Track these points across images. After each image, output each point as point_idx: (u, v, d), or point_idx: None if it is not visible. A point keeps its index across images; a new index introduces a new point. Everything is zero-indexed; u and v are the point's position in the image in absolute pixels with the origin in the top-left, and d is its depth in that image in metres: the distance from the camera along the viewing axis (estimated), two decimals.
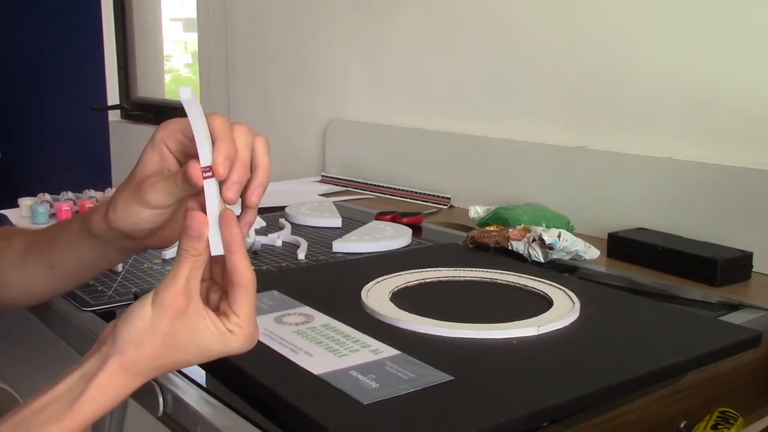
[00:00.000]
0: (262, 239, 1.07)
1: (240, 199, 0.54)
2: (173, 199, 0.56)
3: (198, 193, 0.53)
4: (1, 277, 0.71)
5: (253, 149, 0.55)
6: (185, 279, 0.51)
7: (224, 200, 0.52)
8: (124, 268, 0.95)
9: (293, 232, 1.13)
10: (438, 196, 1.42)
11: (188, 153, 0.55)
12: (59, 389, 0.50)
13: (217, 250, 0.52)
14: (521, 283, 0.83)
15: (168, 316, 0.50)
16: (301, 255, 1.01)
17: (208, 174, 0.51)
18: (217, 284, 0.55)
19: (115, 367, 0.50)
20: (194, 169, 0.51)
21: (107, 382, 0.50)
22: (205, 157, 0.52)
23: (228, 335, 0.51)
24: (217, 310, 0.53)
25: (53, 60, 2.85)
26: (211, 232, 0.52)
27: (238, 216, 0.53)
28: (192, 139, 0.52)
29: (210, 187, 0.52)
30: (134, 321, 0.50)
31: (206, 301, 0.54)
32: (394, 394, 0.56)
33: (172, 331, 0.50)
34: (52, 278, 0.70)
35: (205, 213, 0.52)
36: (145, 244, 0.64)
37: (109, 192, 1.31)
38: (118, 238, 0.62)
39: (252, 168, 0.54)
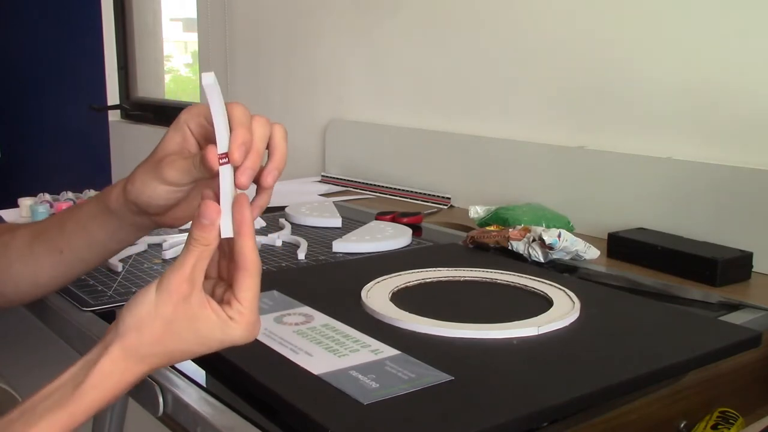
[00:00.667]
0: (263, 239, 1.07)
1: (255, 185, 0.56)
2: (189, 178, 0.58)
3: (213, 178, 0.54)
4: (7, 269, 0.71)
5: (271, 135, 0.56)
6: (191, 267, 0.51)
7: (237, 185, 0.53)
8: (124, 268, 0.95)
9: (293, 232, 1.13)
10: (438, 196, 1.42)
11: (208, 137, 0.57)
12: (64, 377, 0.51)
13: (227, 233, 0.52)
14: (521, 283, 0.83)
15: (172, 301, 0.51)
16: (301, 255, 1.01)
17: (224, 161, 0.53)
18: (223, 280, 0.56)
19: (116, 352, 0.50)
20: (211, 154, 0.52)
21: (109, 367, 0.50)
22: (222, 144, 0.53)
23: (229, 323, 0.52)
24: (221, 301, 0.53)
25: (53, 60, 2.85)
26: (223, 215, 0.52)
27: (252, 200, 0.55)
28: (213, 124, 0.53)
29: (225, 173, 0.53)
30: (138, 306, 0.51)
31: (211, 295, 0.54)
32: (394, 394, 0.56)
33: (174, 317, 0.51)
34: (60, 264, 0.70)
35: (219, 200, 0.53)
36: (157, 221, 0.65)
37: None
38: (132, 213, 0.64)
39: (269, 152, 0.56)
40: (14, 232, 0.73)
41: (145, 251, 1.03)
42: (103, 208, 0.66)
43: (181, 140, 0.60)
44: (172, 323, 0.51)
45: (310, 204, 1.30)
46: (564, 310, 0.74)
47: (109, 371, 0.50)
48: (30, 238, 0.71)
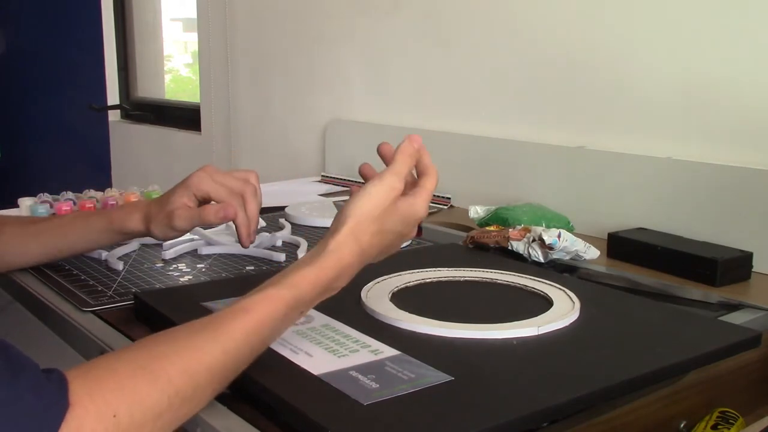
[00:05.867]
0: (264, 240, 1.07)
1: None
2: (192, 226, 0.86)
3: (209, 225, 0.88)
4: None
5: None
6: (405, 173, 0.67)
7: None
8: (124, 268, 0.95)
9: (293, 232, 1.13)
10: (438, 196, 1.42)
11: (205, 198, 0.85)
12: (309, 253, 0.63)
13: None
14: (521, 283, 0.83)
15: (389, 196, 0.65)
16: (301, 255, 1.01)
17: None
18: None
19: (345, 231, 0.63)
20: (209, 214, 0.84)
21: (341, 239, 0.63)
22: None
23: (416, 201, 0.67)
24: None
25: (53, 60, 2.85)
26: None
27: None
28: (208, 195, 0.85)
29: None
30: (360, 200, 0.64)
31: None
32: (394, 394, 0.56)
33: (386, 206, 0.64)
34: (50, 257, 0.92)
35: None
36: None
37: (109, 192, 1.31)
38: (143, 237, 0.94)
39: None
40: (2, 227, 0.90)
41: (145, 251, 1.03)
42: (116, 228, 0.89)
43: (187, 199, 0.85)
44: (385, 210, 0.64)
45: (310, 204, 1.30)
46: (564, 310, 0.74)
47: (343, 241, 0.62)
48: (24, 237, 0.91)
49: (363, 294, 0.78)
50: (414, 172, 0.71)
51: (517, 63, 1.35)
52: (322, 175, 1.69)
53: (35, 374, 0.47)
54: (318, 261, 0.61)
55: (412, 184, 0.69)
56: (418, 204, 0.67)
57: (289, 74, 1.89)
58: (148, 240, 1.06)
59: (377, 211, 0.64)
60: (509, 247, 0.98)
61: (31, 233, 0.91)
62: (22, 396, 0.45)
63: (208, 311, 0.66)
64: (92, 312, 0.80)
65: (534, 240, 0.96)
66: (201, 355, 0.54)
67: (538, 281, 0.83)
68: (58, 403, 0.46)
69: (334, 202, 1.34)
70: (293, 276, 0.61)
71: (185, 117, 2.36)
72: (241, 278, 0.91)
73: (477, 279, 0.86)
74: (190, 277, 0.93)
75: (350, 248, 0.63)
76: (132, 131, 2.56)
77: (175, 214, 0.84)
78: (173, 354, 0.53)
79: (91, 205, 1.22)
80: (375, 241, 0.64)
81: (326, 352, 0.63)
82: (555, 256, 0.96)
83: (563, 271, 0.95)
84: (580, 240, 0.96)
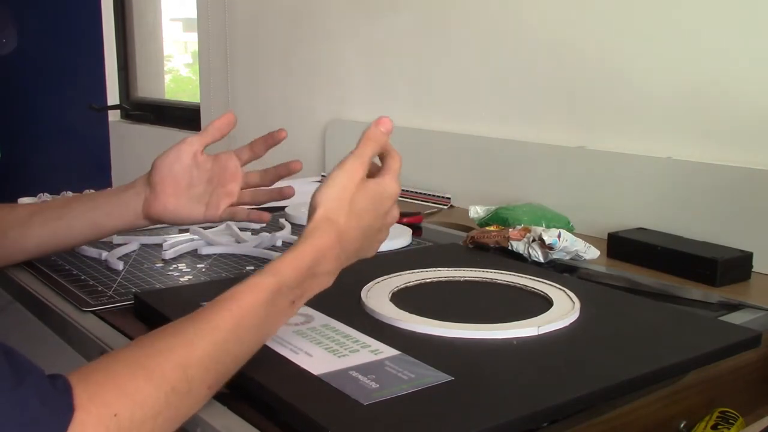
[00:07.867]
0: (264, 240, 1.07)
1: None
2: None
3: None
4: (2, 236, 0.87)
5: None
6: (368, 156, 0.69)
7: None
8: (124, 268, 0.95)
9: (293, 232, 1.13)
10: (438, 196, 1.42)
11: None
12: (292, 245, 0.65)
13: None
14: (521, 283, 0.83)
15: (353, 180, 0.67)
16: None
17: None
18: None
19: (318, 217, 0.65)
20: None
21: (315, 223, 0.64)
22: None
23: (384, 180, 0.70)
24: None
25: (53, 60, 2.85)
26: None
27: None
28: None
29: None
30: (327, 188, 0.66)
31: None
32: (394, 394, 0.56)
33: (353, 189, 0.66)
34: (49, 232, 0.89)
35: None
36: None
37: None
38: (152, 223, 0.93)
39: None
40: (15, 207, 0.90)
41: (145, 251, 1.03)
42: (114, 192, 0.92)
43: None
44: (352, 192, 0.66)
45: None
46: (564, 310, 0.74)
47: (317, 225, 0.64)
48: (30, 212, 0.89)
49: (363, 294, 0.78)
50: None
51: (517, 63, 1.35)
52: (322, 175, 1.69)
53: (40, 380, 0.47)
54: (296, 246, 0.63)
55: (378, 169, 0.72)
56: (386, 182, 0.70)
57: (289, 74, 1.89)
58: (148, 240, 1.06)
59: (344, 193, 0.66)
60: (509, 247, 0.98)
61: (40, 207, 0.90)
62: (27, 401, 0.45)
63: None
64: (92, 312, 0.80)
65: (534, 240, 0.96)
66: (192, 349, 0.54)
67: (538, 281, 0.83)
68: (63, 409, 0.46)
69: None
70: (274, 264, 0.62)
71: (185, 117, 2.35)
72: (241, 278, 0.91)
73: (477, 279, 0.86)
74: (190, 277, 0.93)
75: (325, 230, 0.64)
76: (132, 131, 2.55)
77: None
78: (167, 350, 0.54)
79: None
80: (352, 223, 0.65)
81: (326, 352, 0.63)
82: (555, 256, 0.96)
83: (563, 271, 0.95)
84: (580, 240, 0.96)
